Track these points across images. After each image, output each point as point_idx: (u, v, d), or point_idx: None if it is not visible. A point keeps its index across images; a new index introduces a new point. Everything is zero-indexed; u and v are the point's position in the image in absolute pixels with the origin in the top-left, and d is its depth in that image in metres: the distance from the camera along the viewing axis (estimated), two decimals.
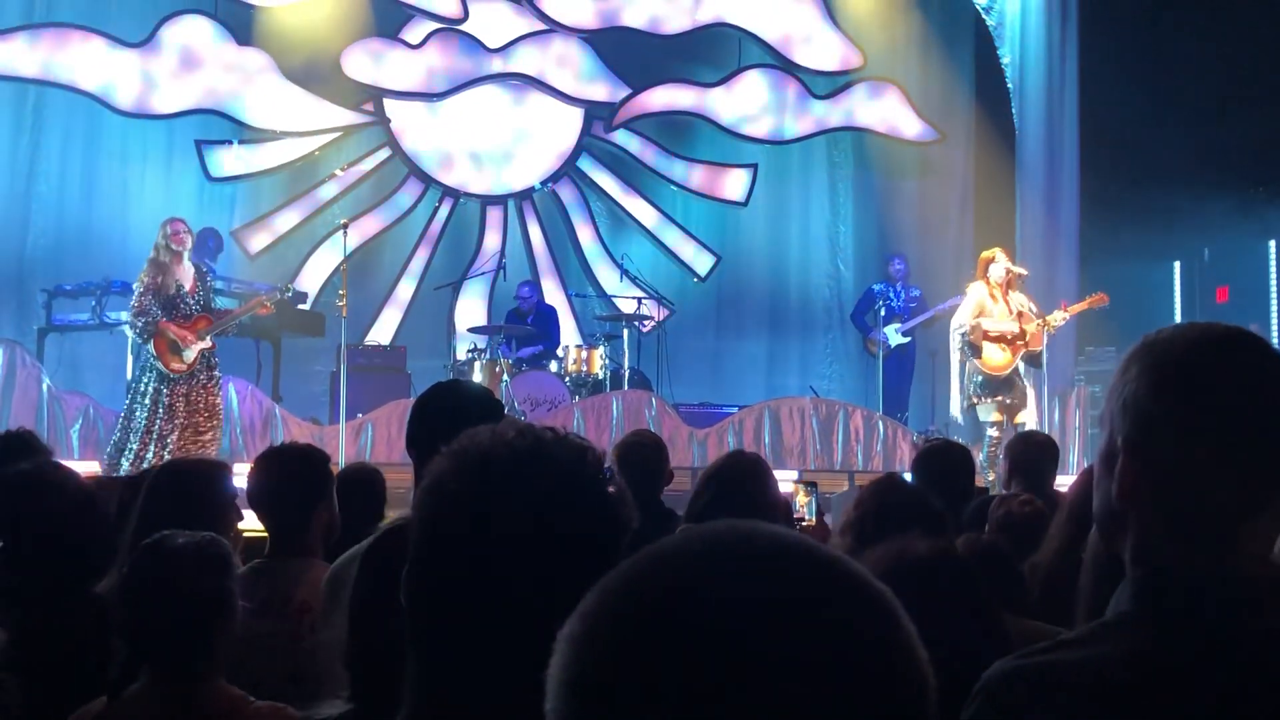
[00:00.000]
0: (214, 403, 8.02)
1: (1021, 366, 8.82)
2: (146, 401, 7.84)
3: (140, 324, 7.86)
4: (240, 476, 3.52)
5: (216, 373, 8.11)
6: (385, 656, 1.80)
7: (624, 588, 0.77)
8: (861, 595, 0.78)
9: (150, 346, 7.85)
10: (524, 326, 11.01)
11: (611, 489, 1.32)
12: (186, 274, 7.94)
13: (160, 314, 7.78)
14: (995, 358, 8.70)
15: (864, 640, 0.75)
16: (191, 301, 7.89)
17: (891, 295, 11.24)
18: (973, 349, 8.69)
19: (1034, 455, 4.55)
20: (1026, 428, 8.35)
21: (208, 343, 7.90)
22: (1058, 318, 8.80)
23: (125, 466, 7.71)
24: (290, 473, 3.20)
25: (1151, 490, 1.34)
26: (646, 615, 0.75)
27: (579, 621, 0.77)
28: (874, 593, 0.78)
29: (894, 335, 11.07)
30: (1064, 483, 5.03)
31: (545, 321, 11.36)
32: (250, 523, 3.42)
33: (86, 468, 8.11)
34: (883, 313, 11.03)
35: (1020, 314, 8.69)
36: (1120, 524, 1.37)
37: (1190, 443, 1.32)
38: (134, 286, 7.98)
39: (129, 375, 8.15)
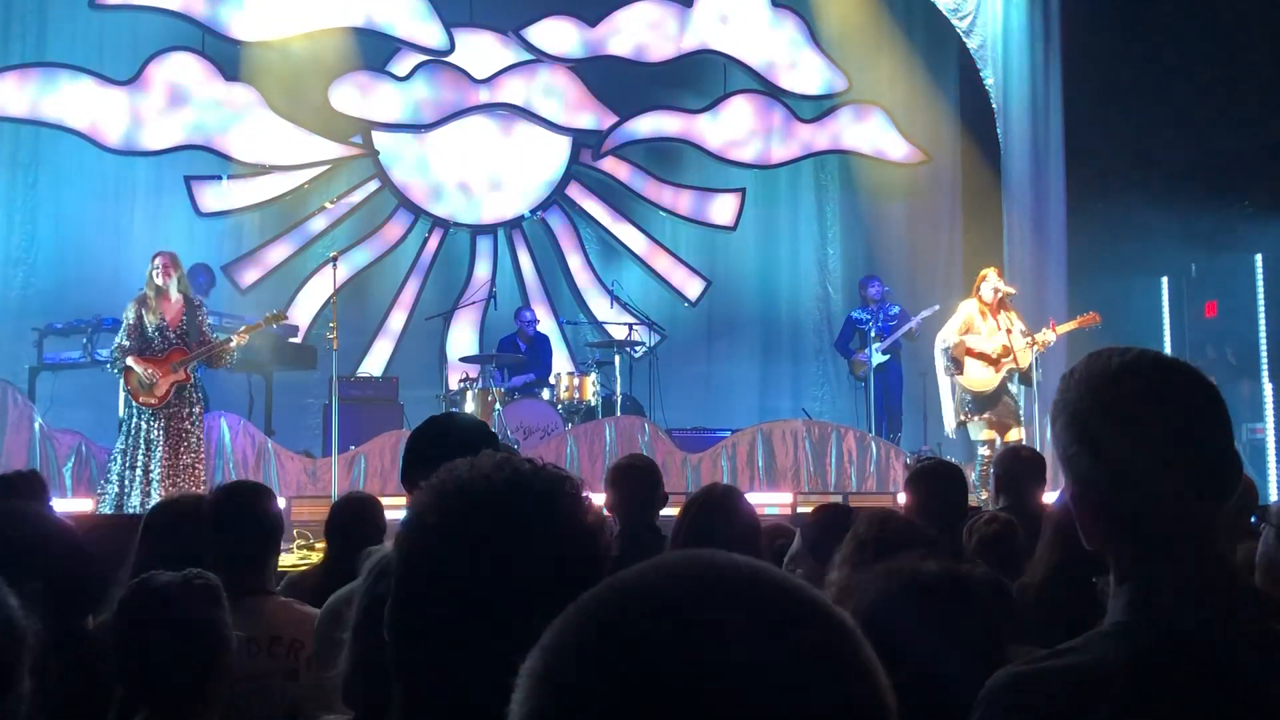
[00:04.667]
0: (192, 436, 7.85)
1: (1015, 386, 8.86)
2: (128, 437, 7.84)
3: (111, 359, 7.93)
4: None
5: (197, 407, 7.95)
6: (388, 688, 1.80)
7: (581, 622, 0.77)
8: (821, 623, 0.77)
9: (122, 381, 7.89)
10: (515, 355, 11.03)
11: (590, 519, 1.34)
12: (171, 308, 7.88)
13: (130, 348, 7.79)
14: (978, 375, 8.77)
15: (824, 668, 0.74)
16: (172, 335, 7.82)
17: (870, 318, 11.28)
18: (955, 364, 8.80)
19: (1018, 470, 4.56)
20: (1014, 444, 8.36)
21: (181, 374, 7.77)
22: (1046, 337, 8.86)
23: (109, 503, 7.71)
24: (246, 510, 3.18)
25: (1107, 528, 1.44)
26: (603, 651, 0.74)
27: (539, 657, 0.77)
28: (834, 619, 0.78)
29: (875, 354, 11.10)
30: (1052, 499, 5.04)
31: (539, 349, 11.39)
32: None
33: (80, 506, 8.12)
34: (871, 334, 11.07)
35: (1008, 332, 8.74)
36: (1102, 554, 1.47)
37: (1120, 481, 1.41)
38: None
39: (120, 413, 8.12)
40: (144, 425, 7.78)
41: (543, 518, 1.29)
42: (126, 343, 7.83)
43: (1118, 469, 1.40)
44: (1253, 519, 3.27)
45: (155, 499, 7.40)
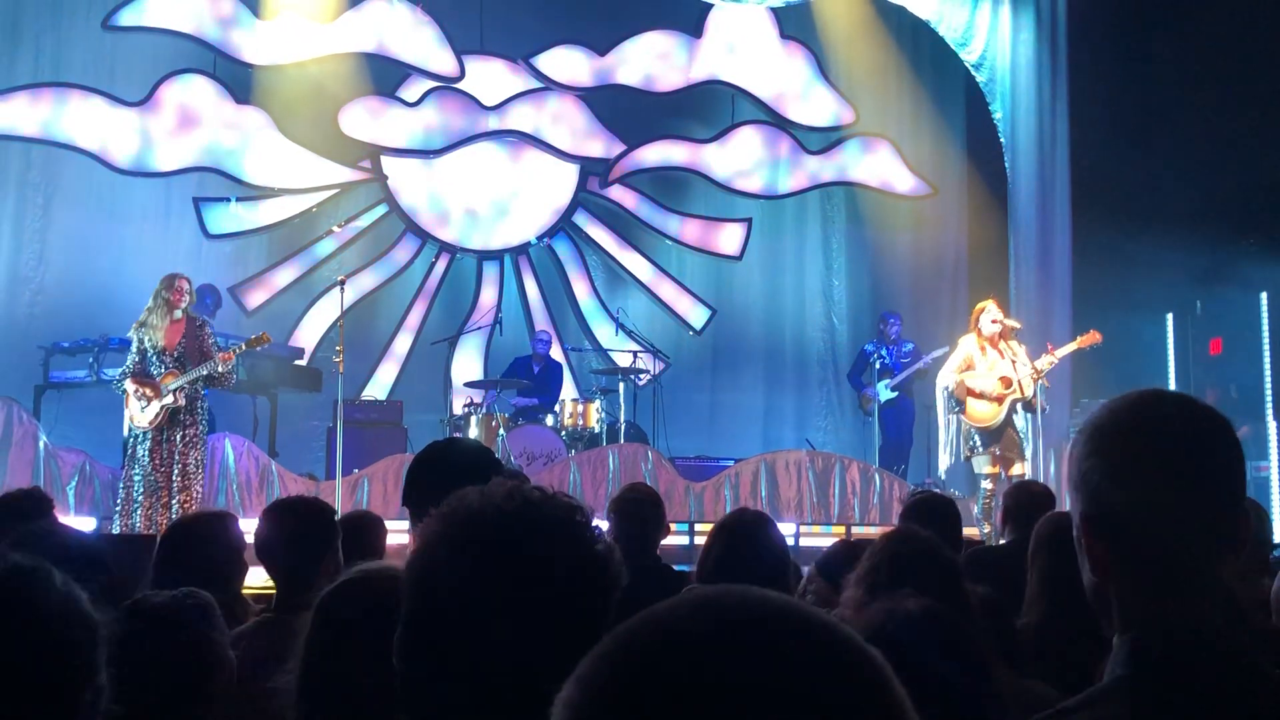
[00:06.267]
0: (188, 459, 7.77)
1: (1019, 418, 8.84)
2: (131, 458, 7.84)
3: (115, 379, 7.93)
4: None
5: (192, 430, 7.82)
6: (337, 710, 1.80)
7: (619, 654, 0.77)
8: (855, 662, 0.78)
9: (124, 403, 7.88)
10: (521, 381, 11.05)
11: (600, 547, 1.34)
12: (173, 330, 7.84)
13: (135, 371, 7.77)
14: (981, 410, 8.75)
15: (857, 707, 0.75)
16: (169, 358, 7.77)
17: (885, 353, 11.29)
18: (957, 403, 8.81)
19: (1028, 504, 4.53)
20: (1023, 479, 8.35)
21: (170, 398, 7.70)
22: (1045, 362, 8.84)
23: (116, 524, 7.71)
24: (298, 525, 3.19)
25: (1119, 559, 1.41)
26: (638, 686, 0.75)
27: (576, 687, 0.77)
28: (866, 659, 0.78)
29: (884, 390, 11.12)
30: None
31: (550, 377, 11.38)
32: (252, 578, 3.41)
33: (83, 524, 8.12)
34: (877, 366, 11.09)
35: (1013, 362, 8.74)
36: (1104, 598, 1.43)
37: (1136, 506, 1.38)
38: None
39: (125, 432, 8.11)
40: (139, 448, 7.77)
41: (553, 547, 1.30)
42: (130, 366, 7.85)
43: (1137, 496, 1.38)
44: (1276, 553, 3.24)
45: (138, 520, 7.42)
